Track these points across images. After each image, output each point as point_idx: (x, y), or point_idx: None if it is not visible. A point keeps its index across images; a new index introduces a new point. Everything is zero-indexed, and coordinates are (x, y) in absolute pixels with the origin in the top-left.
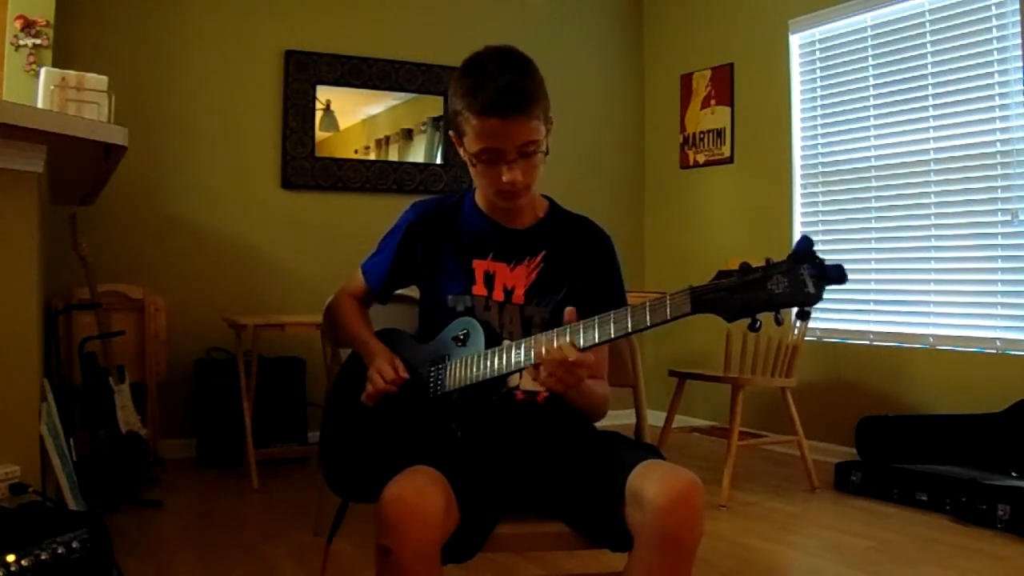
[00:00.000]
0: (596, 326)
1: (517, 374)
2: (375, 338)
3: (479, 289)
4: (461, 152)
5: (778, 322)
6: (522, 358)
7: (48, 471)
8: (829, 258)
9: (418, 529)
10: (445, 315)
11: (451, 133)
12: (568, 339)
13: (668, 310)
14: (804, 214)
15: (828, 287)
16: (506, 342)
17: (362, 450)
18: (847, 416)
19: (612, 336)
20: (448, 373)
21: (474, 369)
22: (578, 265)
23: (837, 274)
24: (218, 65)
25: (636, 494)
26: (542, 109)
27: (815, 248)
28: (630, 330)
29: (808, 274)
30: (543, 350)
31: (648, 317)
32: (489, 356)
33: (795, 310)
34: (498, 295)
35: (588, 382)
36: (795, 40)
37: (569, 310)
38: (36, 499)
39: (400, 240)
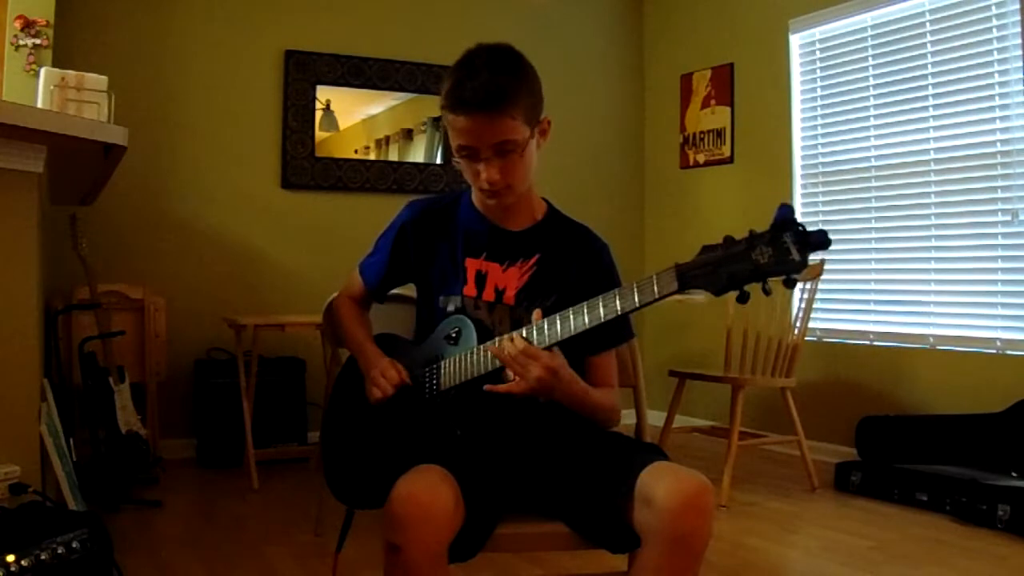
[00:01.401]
0: (585, 310)
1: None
2: (372, 342)
3: (469, 289)
4: None
5: (766, 292)
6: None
7: (48, 471)
8: (829, 258)
9: (428, 527)
10: (437, 315)
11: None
12: (524, 333)
13: (656, 288)
14: (804, 214)
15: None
16: (498, 338)
17: (365, 456)
18: (847, 416)
19: (602, 318)
20: (443, 372)
21: (468, 365)
22: (571, 272)
23: (820, 239)
24: (218, 65)
25: (646, 495)
26: (522, 108)
27: (796, 216)
28: (620, 311)
29: (792, 241)
30: (496, 347)
31: (636, 297)
32: (482, 351)
33: (782, 279)
34: (489, 295)
35: (591, 390)
36: (795, 40)
37: (536, 311)
38: (36, 499)
39: (394, 239)
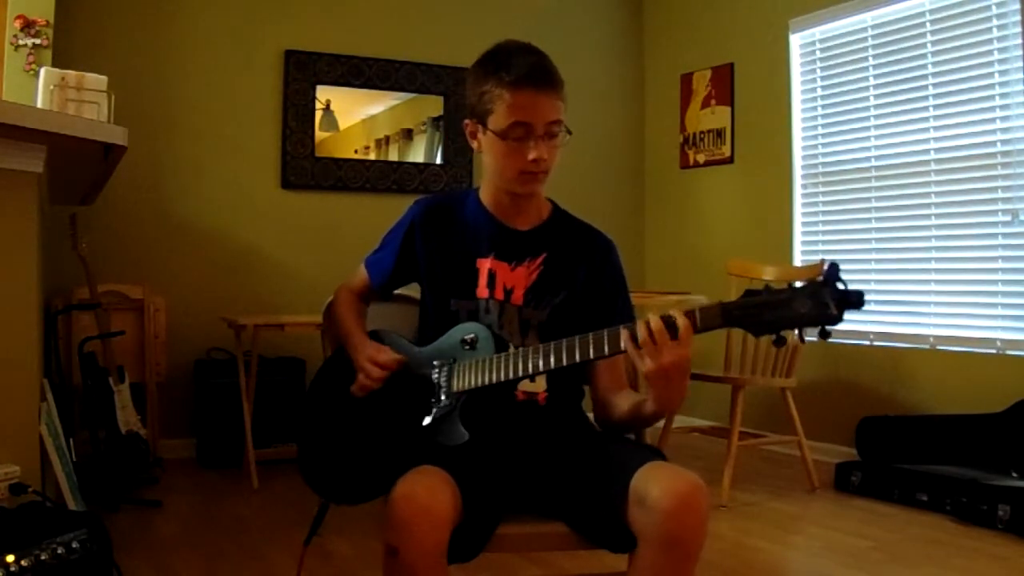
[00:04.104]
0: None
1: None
2: (362, 331)
3: (482, 291)
4: (475, 144)
5: (801, 339)
6: (540, 363)
7: (48, 471)
8: (829, 258)
9: (427, 529)
10: (448, 318)
11: (467, 122)
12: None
13: (699, 321)
14: (804, 214)
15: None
16: (514, 347)
17: (351, 451)
18: (847, 416)
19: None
20: (456, 375)
21: (488, 373)
22: (579, 270)
23: (857, 298)
24: (218, 65)
25: (640, 495)
26: (563, 93)
27: (841, 274)
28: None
29: (831, 297)
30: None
31: None
32: (504, 360)
33: (817, 330)
34: (498, 295)
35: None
36: (795, 40)
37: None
38: (36, 499)
39: (404, 236)
